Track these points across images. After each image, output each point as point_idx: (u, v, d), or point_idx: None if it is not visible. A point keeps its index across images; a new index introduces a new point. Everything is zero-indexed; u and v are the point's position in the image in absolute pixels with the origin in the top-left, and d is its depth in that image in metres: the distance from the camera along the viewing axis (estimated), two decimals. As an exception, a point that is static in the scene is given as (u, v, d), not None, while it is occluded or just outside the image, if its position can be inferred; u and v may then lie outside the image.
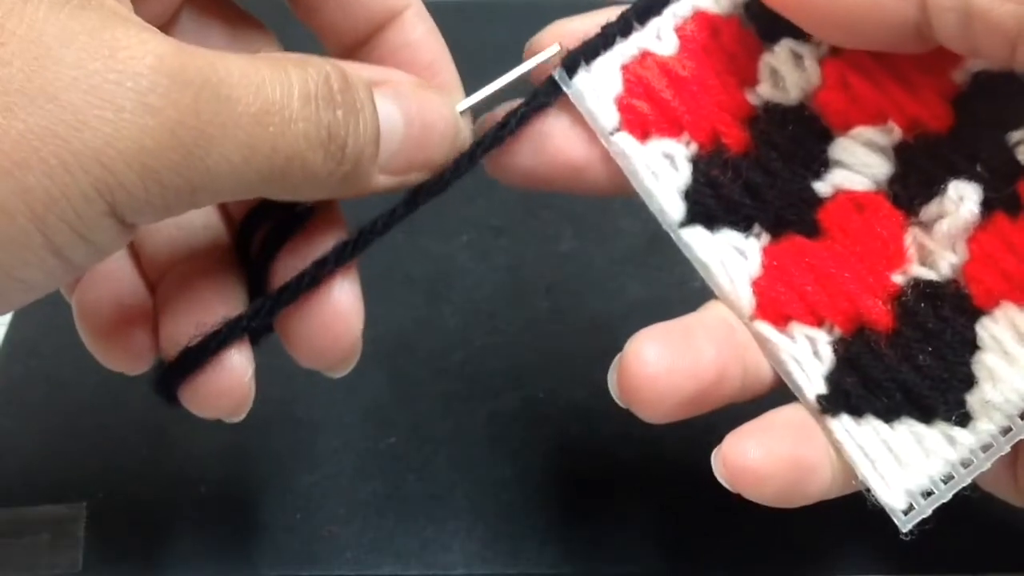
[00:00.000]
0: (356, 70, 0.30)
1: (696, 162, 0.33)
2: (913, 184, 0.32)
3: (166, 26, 0.33)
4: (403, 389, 0.45)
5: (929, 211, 0.32)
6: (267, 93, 0.27)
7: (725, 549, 0.40)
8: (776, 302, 0.33)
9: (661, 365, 0.31)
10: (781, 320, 0.33)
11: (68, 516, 0.41)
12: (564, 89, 0.33)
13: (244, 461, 0.43)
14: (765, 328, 0.33)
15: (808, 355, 0.33)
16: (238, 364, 0.32)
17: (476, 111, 0.34)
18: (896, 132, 0.32)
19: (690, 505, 0.41)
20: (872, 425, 0.32)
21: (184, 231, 0.34)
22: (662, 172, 0.33)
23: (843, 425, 0.32)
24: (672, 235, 0.33)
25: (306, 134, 0.27)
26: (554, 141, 0.33)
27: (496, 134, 0.33)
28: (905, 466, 0.31)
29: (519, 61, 0.34)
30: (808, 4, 0.31)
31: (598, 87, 0.33)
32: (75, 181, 0.24)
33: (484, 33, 0.54)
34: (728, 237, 0.33)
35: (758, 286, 0.33)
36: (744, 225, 0.33)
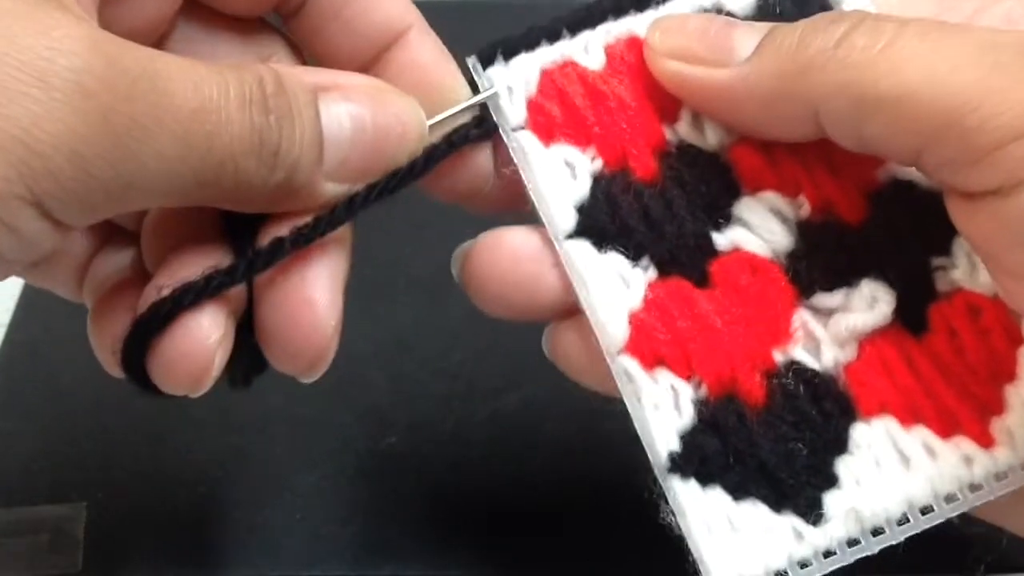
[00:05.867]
0: (303, 75, 0.29)
1: (598, 179, 0.32)
2: (816, 267, 0.31)
3: (162, 35, 0.31)
4: (403, 389, 0.45)
5: (828, 300, 0.31)
6: (205, 91, 0.25)
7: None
8: (652, 341, 0.31)
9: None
10: (651, 361, 0.31)
11: (68, 516, 0.41)
12: (476, 78, 0.32)
13: (244, 461, 0.43)
14: (631, 364, 0.31)
15: (669, 406, 0.31)
16: (202, 325, 0.29)
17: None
18: (805, 208, 0.31)
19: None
20: (717, 497, 0.30)
21: (183, 223, 0.31)
22: (560, 178, 0.32)
23: (689, 490, 0.30)
24: (556, 244, 0.32)
25: (240, 137, 0.26)
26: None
27: (453, 134, 0.32)
28: (746, 548, 0.30)
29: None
30: (715, 111, 0.31)
31: (512, 82, 0.32)
32: None
33: (484, 33, 0.54)
34: (614, 261, 0.32)
35: (636, 319, 0.31)
36: (634, 253, 0.32)
